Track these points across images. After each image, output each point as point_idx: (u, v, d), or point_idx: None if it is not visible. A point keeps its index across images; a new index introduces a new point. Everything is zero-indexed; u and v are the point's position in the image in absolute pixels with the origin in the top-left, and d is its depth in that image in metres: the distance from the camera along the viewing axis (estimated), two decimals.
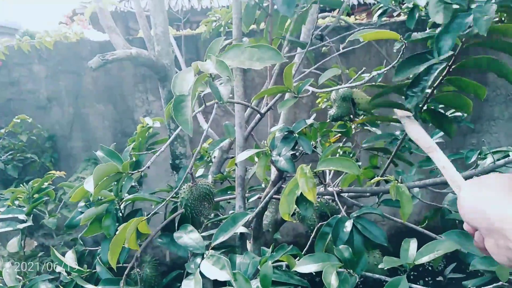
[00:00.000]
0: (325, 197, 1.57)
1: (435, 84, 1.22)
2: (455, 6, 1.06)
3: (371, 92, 1.43)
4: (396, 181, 1.25)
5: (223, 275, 1.02)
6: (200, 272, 1.08)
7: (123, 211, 1.53)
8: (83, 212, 1.69)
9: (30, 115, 3.44)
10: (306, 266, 1.08)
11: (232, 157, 1.96)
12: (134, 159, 1.68)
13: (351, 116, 1.66)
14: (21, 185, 1.71)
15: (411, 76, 1.15)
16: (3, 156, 3.03)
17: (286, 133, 1.32)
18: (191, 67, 0.75)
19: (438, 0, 1.04)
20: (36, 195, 1.72)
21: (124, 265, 1.33)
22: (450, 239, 1.07)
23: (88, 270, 1.45)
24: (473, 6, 1.02)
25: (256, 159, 1.49)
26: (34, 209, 1.72)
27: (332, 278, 0.96)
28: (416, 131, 1.11)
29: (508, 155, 1.54)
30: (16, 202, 1.77)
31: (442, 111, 1.45)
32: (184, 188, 1.14)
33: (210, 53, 0.86)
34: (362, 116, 1.66)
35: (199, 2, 4.92)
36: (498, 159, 1.34)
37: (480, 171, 1.32)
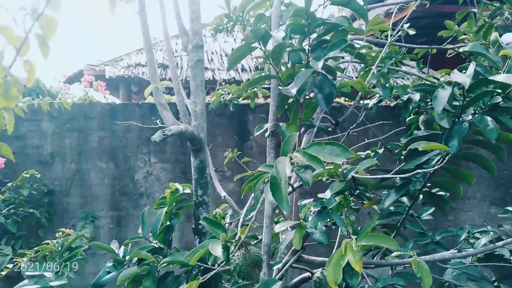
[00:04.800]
0: None
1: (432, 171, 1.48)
2: None
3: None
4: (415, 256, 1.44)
5: None
6: None
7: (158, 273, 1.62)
8: (110, 272, 1.76)
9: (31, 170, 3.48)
10: None
11: (247, 224, 2.11)
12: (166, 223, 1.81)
13: (352, 190, 1.90)
14: (50, 241, 1.77)
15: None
16: (3, 209, 3.01)
17: (319, 208, 1.51)
18: (286, 158, 0.95)
19: (442, 111, 1.30)
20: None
21: None
22: None
23: None
24: (465, 117, 1.30)
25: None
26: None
27: None
28: None
29: (498, 238, 1.78)
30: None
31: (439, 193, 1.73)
32: (238, 255, 1.28)
33: (286, 145, 1.07)
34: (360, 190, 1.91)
35: None
36: (493, 240, 1.57)
37: (482, 250, 1.54)
